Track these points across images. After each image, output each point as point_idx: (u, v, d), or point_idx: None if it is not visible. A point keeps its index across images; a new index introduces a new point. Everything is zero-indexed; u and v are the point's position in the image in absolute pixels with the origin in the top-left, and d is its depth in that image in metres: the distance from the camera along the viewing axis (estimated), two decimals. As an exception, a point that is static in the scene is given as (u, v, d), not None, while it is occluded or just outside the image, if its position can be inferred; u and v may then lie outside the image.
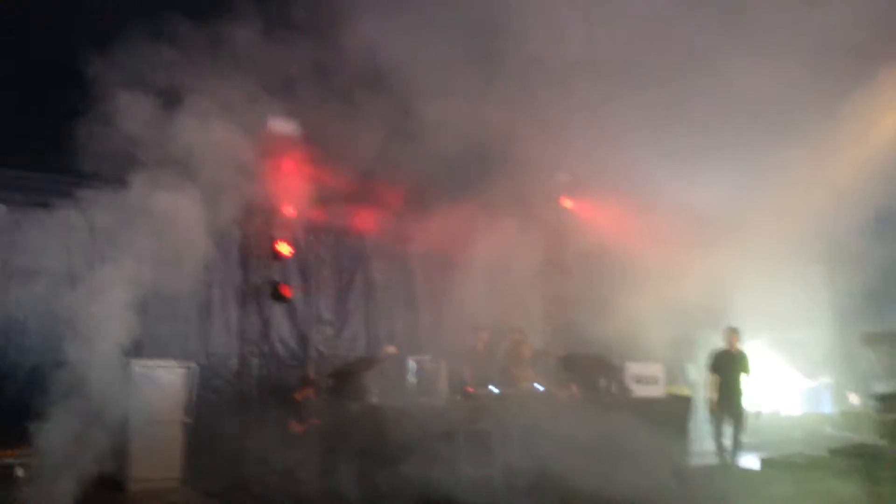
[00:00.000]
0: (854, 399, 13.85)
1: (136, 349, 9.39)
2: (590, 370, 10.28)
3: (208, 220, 9.82)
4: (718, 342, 11.06)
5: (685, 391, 11.82)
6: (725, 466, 9.20)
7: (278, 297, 12.11)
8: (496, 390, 9.81)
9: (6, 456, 9.03)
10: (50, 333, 8.95)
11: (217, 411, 11.06)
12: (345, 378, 10.55)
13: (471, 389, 9.89)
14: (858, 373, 13.95)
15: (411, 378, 10.61)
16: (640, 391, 10.11)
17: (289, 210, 11.92)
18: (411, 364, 10.78)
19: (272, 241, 12.19)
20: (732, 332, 11.05)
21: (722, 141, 10.49)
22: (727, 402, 10.52)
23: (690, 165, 10.84)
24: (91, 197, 8.90)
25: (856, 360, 13.92)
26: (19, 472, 8.81)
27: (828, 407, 14.27)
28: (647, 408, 9.49)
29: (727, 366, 10.76)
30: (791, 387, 14.55)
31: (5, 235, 10.53)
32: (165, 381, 10.31)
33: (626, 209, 12.31)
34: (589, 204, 13.76)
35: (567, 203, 13.99)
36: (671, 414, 9.94)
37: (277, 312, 12.46)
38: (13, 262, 10.53)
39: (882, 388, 12.28)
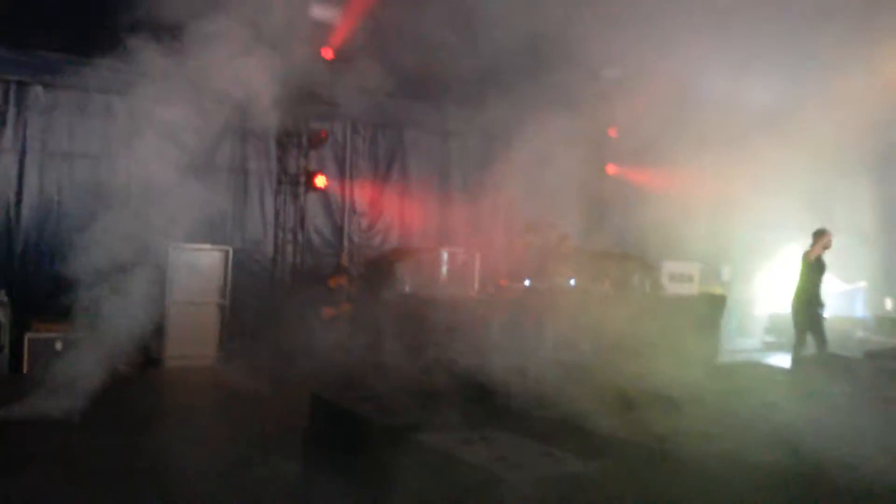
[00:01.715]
0: (889, 304, 13.71)
1: (174, 232, 9.52)
2: (624, 268, 10.25)
3: (247, 107, 9.77)
4: (752, 243, 10.86)
5: (719, 290, 11.76)
6: (756, 364, 9.21)
7: (313, 186, 12.13)
8: (529, 284, 9.85)
9: (46, 330, 9.38)
10: (88, 215, 9.05)
11: (251, 295, 11.30)
12: (378, 267, 10.65)
13: (504, 282, 9.94)
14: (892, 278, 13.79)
15: (444, 270, 10.66)
16: (675, 289, 10.09)
17: (327, 99, 11.77)
18: (444, 256, 10.81)
19: (309, 129, 12.13)
20: (822, 235, 10.09)
21: (776, 35, 10.05)
22: (810, 308, 9.87)
23: (742, 62, 10.44)
24: (128, 80, 8.84)
25: (894, 265, 13.73)
26: (58, 346, 9.17)
27: (861, 311, 14.16)
28: (680, 305, 9.49)
29: (812, 270, 10.05)
30: (826, 290, 14.45)
31: (43, 117, 10.61)
32: (202, 263, 10.52)
33: (672, 105, 11.96)
34: (635, 100, 13.37)
35: (612, 99, 13.59)
36: (704, 312, 9.93)
37: (312, 201, 12.54)
38: (50, 144, 10.66)
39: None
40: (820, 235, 9.96)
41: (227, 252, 10.76)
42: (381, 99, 12.43)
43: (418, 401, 5.24)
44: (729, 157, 11.25)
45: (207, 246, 10.71)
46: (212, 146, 11.14)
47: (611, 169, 13.81)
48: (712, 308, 10.41)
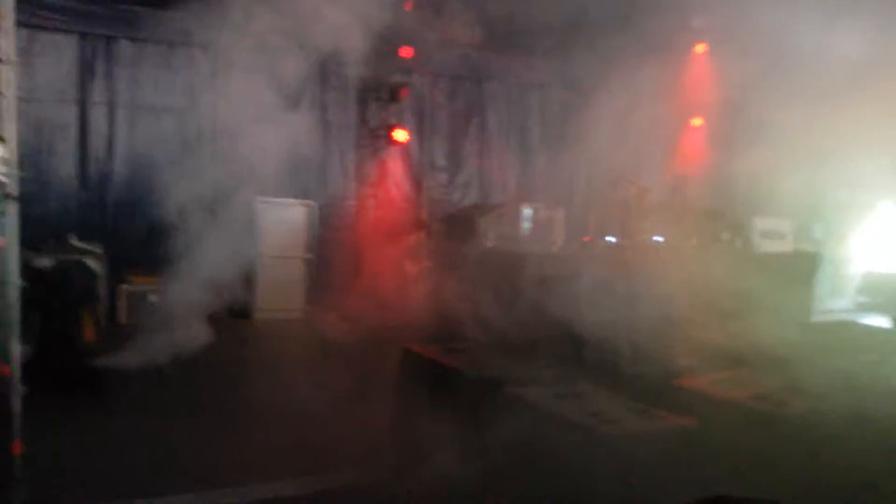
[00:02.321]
0: None
1: (260, 187, 9.66)
2: (713, 223, 9.96)
3: (329, 59, 9.78)
4: (845, 201, 10.36)
5: (812, 248, 11.33)
6: (853, 323, 8.87)
7: (393, 140, 12.14)
8: (614, 240, 9.67)
9: (140, 282, 9.70)
10: (177, 168, 9.25)
11: (334, 249, 11.44)
12: (458, 223, 10.62)
13: (587, 238, 9.79)
14: None
15: (526, 225, 10.56)
16: (767, 246, 9.76)
17: (406, 52, 11.69)
18: (526, 212, 10.70)
19: (389, 84, 12.10)
20: None
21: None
22: None
23: (835, 12, 9.92)
24: (213, 36, 8.95)
25: None
26: (153, 298, 9.47)
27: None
28: (773, 263, 9.19)
29: None
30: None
31: (130, 70, 10.82)
32: (288, 218, 10.69)
33: (763, 59, 11.47)
34: (724, 51, 12.87)
35: (700, 49, 13.11)
36: (797, 270, 9.58)
37: (392, 156, 12.55)
38: (138, 97, 10.88)
39: None
40: None
41: (312, 206, 10.90)
42: (460, 51, 12.30)
43: (508, 355, 5.24)
44: (821, 110, 10.78)
45: (293, 200, 10.86)
46: (294, 100, 11.23)
47: (696, 122, 13.38)
48: (806, 266, 10.02)
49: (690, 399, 4.64)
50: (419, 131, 12.87)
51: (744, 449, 4.13)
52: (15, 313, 4.27)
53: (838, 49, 10.36)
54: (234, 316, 9.82)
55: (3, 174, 4.19)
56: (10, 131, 4.27)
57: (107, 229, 10.51)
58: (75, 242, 9.58)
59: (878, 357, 5.57)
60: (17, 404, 4.26)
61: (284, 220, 10.66)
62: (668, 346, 5.95)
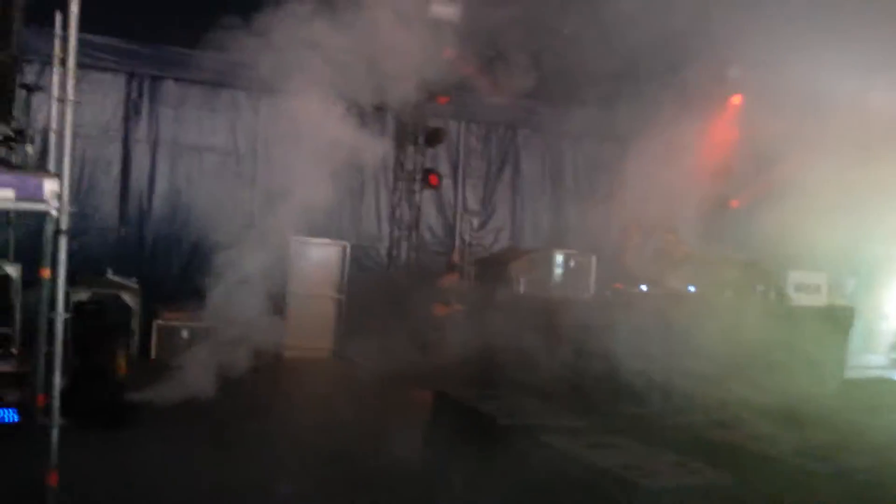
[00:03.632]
0: None
1: (293, 227, 9.78)
2: (747, 275, 9.87)
3: (364, 106, 9.94)
4: (880, 255, 10.21)
5: (846, 303, 11.19)
6: (887, 380, 8.73)
7: (429, 184, 12.25)
8: (646, 289, 9.62)
9: (173, 318, 9.79)
10: (215, 207, 9.39)
11: (366, 290, 11.48)
12: (490, 267, 10.65)
13: (620, 286, 9.75)
14: None
15: (558, 272, 10.56)
16: (801, 300, 9.65)
17: (444, 99, 11.86)
18: (558, 258, 10.71)
19: (425, 128, 12.25)
20: None
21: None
22: None
23: (871, 65, 9.92)
24: (256, 78, 9.14)
25: None
26: (185, 334, 9.56)
27: None
28: (808, 317, 9.07)
29: None
30: None
31: (174, 110, 11.06)
32: (320, 257, 10.80)
33: (799, 110, 11.47)
34: (759, 103, 12.88)
35: (736, 101, 13.11)
36: (832, 325, 9.45)
37: (427, 199, 12.67)
38: (181, 136, 11.11)
39: None
40: None
41: (344, 247, 11.00)
42: (496, 99, 12.44)
43: (542, 402, 5.22)
44: (857, 163, 10.73)
45: (326, 240, 10.97)
46: (332, 143, 11.40)
47: (734, 173, 13.34)
48: (840, 321, 9.89)
49: (727, 452, 4.58)
50: (453, 176, 12.99)
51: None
52: (60, 345, 4.35)
53: (873, 102, 10.37)
54: (264, 353, 9.85)
55: (55, 209, 4.30)
56: (64, 168, 4.40)
57: (143, 265, 10.66)
58: (112, 277, 9.72)
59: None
60: (54, 436, 4.32)
61: (317, 259, 10.77)
62: (704, 397, 5.90)
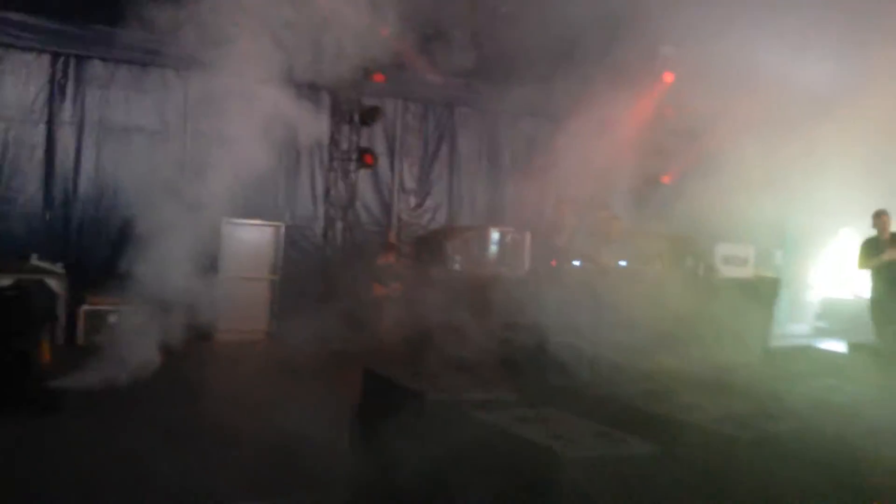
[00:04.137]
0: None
1: (226, 208, 9.62)
2: (677, 249, 10.09)
3: (297, 83, 9.79)
4: (806, 227, 10.55)
5: (772, 274, 11.52)
6: (809, 348, 9.01)
7: (364, 163, 12.17)
8: (579, 265, 9.74)
9: (101, 303, 9.57)
10: (143, 189, 9.18)
11: (302, 271, 11.40)
12: (427, 246, 10.65)
13: (555, 262, 9.85)
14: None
15: (493, 249, 10.62)
16: (728, 272, 9.92)
17: (379, 77, 11.76)
18: (494, 235, 10.76)
19: (361, 106, 12.14)
20: (880, 216, 9.31)
21: (835, 18, 9.77)
22: (880, 297, 9.04)
23: (799, 43, 10.18)
24: (185, 56, 8.93)
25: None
26: (112, 319, 9.35)
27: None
28: (734, 289, 9.32)
29: (870, 255, 9.28)
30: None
31: (100, 91, 10.76)
32: (253, 238, 10.65)
33: (728, 87, 11.69)
34: (690, 80, 13.07)
35: (668, 78, 13.29)
36: (758, 296, 9.74)
37: (363, 178, 12.58)
38: (108, 117, 10.81)
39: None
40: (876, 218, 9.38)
41: (278, 228, 10.87)
42: (433, 77, 12.39)
43: (473, 377, 5.23)
44: (785, 138, 11.01)
45: (259, 221, 10.82)
46: (264, 122, 11.23)
47: (668, 149, 13.57)
48: (766, 292, 10.20)
49: (654, 423, 4.66)
50: (390, 155, 12.93)
51: (706, 472, 4.16)
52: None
53: (803, 79, 10.64)
54: (196, 336, 9.70)
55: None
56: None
57: (70, 249, 10.40)
58: (37, 262, 9.44)
59: (835, 381, 5.65)
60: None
61: (250, 240, 10.62)
62: (633, 369, 5.99)
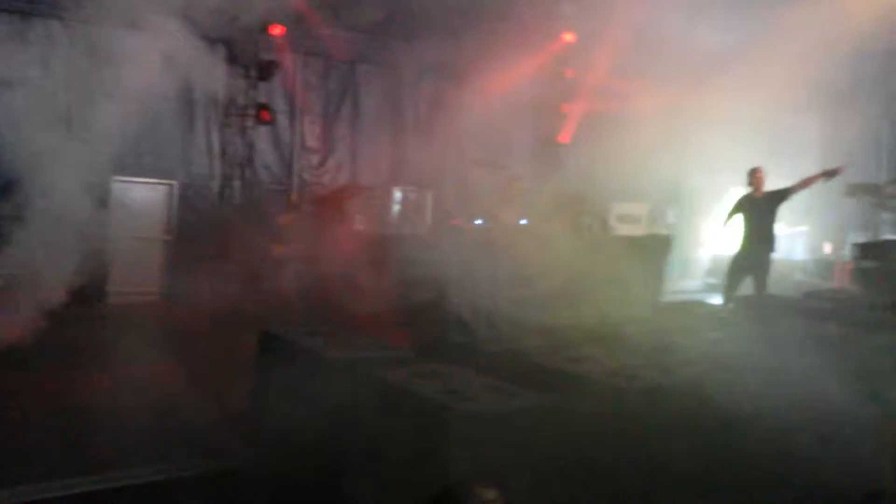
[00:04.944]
0: (828, 248, 14.11)
1: (116, 166, 9.25)
2: (574, 208, 10.30)
3: (193, 34, 9.43)
4: (699, 186, 10.96)
5: (664, 232, 11.94)
6: (698, 303, 9.40)
7: (261, 120, 11.87)
8: (482, 223, 9.85)
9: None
10: (27, 145, 8.72)
11: (198, 230, 11.10)
12: (329, 204, 10.54)
13: (457, 221, 9.93)
14: (834, 223, 14.15)
15: (396, 208, 10.61)
16: (623, 230, 10.22)
17: (277, 30, 11.45)
18: (396, 194, 10.74)
19: (259, 61, 11.80)
20: (754, 173, 9.33)
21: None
22: (746, 252, 9.22)
23: (694, 5, 10.49)
24: (70, 4, 8.49)
25: (834, 211, 14.08)
26: (-5, 284, 8.89)
27: (801, 255, 14.55)
28: (627, 246, 9.60)
29: (748, 212, 9.37)
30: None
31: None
32: (146, 198, 10.29)
33: (625, 48, 11.92)
34: (589, 40, 13.25)
35: (568, 38, 13.42)
36: (650, 253, 10.06)
37: (263, 136, 12.28)
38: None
39: (861, 237, 12.49)
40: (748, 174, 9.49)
41: (171, 186, 10.53)
42: (334, 32, 12.16)
43: (371, 335, 5.24)
44: (678, 99, 11.34)
45: (152, 180, 10.45)
46: (155, 76, 10.80)
47: (566, 108, 13.78)
48: (658, 249, 10.54)
49: (548, 376, 4.78)
50: (290, 112, 12.64)
51: (597, 423, 4.30)
52: None
53: (695, 41, 10.96)
54: (85, 299, 9.35)
55: None
56: None
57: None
58: None
59: (720, 335, 5.92)
60: None
61: (142, 199, 10.27)
62: (530, 325, 6.12)
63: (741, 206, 9.38)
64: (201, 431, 5.14)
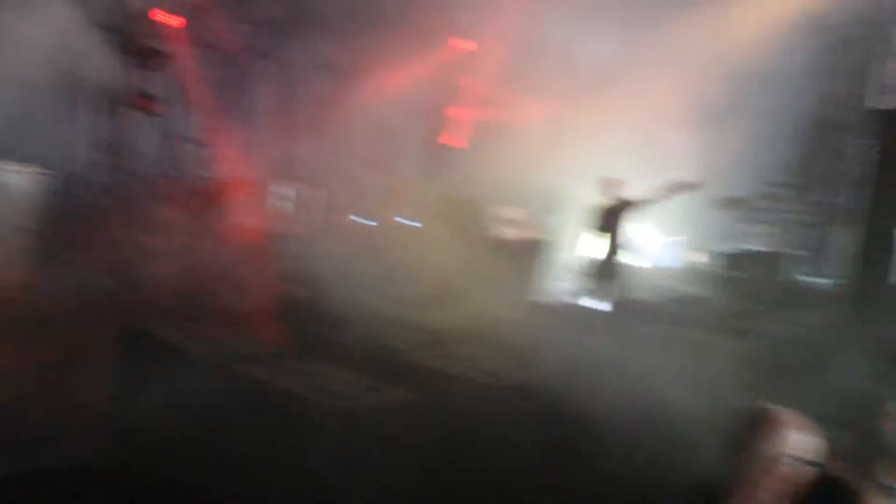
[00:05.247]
0: (699, 257, 14.78)
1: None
2: (459, 210, 10.48)
3: (71, 19, 9.07)
4: (580, 193, 11.26)
5: (541, 236, 12.26)
6: (571, 305, 9.77)
7: (140, 108, 11.47)
8: (366, 222, 9.89)
9: None
10: None
11: (71, 221, 10.62)
12: (213, 198, 10.33)
13: (338, 218, 9.92)
14: (707, 234, 14.84)
15: (281, 204, 10.51)
16: (502, 233, 10.47)
17: (160, 17, 11.12)
18: (281, 190, 10.63)
19: (138, 47, 11.41)
20: (605, 183, 10.14)
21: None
22: (601, 259, 10.04)
23: (581, 19, 10.85)
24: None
25: (706, 222, 14.75)
26: None
27: (673, 263, 15.18)
28: (505, 249, 9.86)
29: (601, 219, 10.18)
30: (648, 243, 15.33)
31: None
32: (11, 185, 9.77)
33: (516, 56, 12.20)
34: (483, 48, 13.45)
35: (463, 45, 13.57)
36: (527, 256, 10.39)
37: (146, 126, 11.87)
38: None
39: (728, 248, 13.16)
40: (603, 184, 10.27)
41: (41, 173, 10.04)
42: (226, 24, 11.92)
43: (244, 332, 5.21)
44: (564, 108, 11.70)
45: (17, 166, 9.93)
46: (29, 60, 10.31)
47: (456, 114, 13.95)
48: (535, 252, 10.89)
49: (418, 374, 4.88)
50: (176, 103, 12.28)
51: (461, 419, 4.42)
52: None
53: (580, 50, 11.33)
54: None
55: None
56: None
57: None
58: None
59: (588, 334, 6.18)
60: None
61: (5, 186, 9.74)
62: (405, 324, 6.20)
63: (595, 212, 10.16)
64: (53, 427, 4.95)
